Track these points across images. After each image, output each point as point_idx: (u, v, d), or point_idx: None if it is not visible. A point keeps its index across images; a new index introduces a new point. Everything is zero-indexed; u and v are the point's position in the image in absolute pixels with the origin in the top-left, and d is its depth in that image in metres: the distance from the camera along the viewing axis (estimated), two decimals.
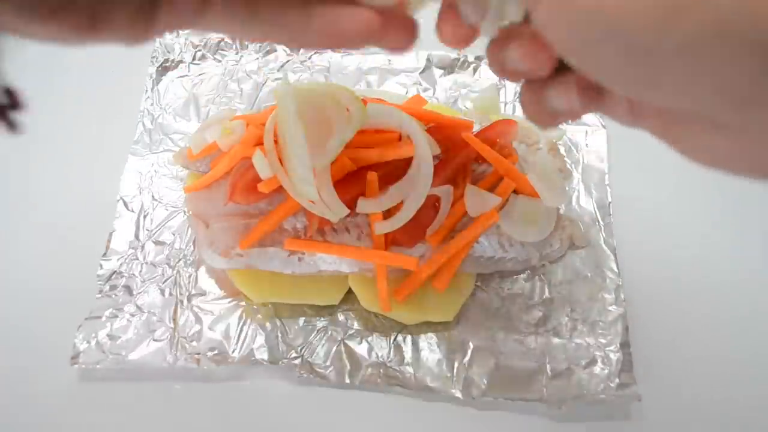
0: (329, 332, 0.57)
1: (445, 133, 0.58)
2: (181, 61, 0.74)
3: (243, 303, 0.58)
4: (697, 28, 0.23)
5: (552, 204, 0.59)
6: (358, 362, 0.56)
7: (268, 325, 0.57)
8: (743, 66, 0.23)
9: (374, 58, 0.75)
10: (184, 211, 0.63)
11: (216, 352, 0.56)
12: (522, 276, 0.61)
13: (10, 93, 0.32)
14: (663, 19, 0.23)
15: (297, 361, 0.55)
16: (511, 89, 0.73)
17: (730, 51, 0.22)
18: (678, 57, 0.24)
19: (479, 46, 0.35)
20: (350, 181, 0.54)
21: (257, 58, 0.75)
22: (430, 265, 0.55)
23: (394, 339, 0.57)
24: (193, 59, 0.74)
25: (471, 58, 0.74)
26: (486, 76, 0.74)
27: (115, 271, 0.59)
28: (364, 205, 0.53)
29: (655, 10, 0.23)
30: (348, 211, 0.53)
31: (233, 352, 0.56)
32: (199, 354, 0.55)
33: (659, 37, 0.23)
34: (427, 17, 0.36)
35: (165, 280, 0.59)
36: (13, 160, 0.68)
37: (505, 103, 0.72)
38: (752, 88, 0.23)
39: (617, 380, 0.55)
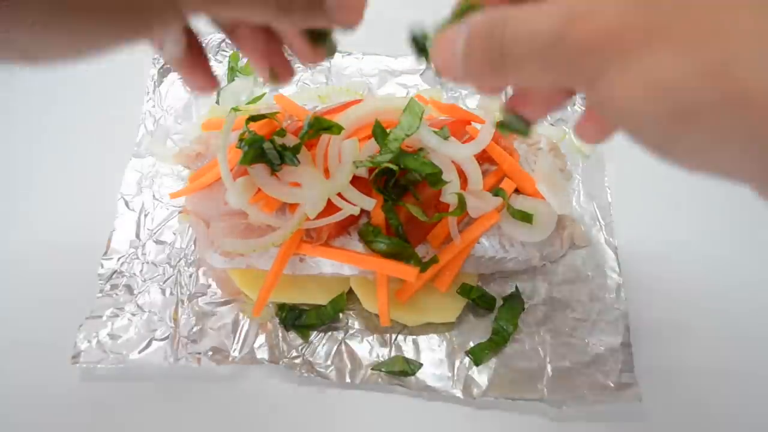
0: (330, 332, 0.57)
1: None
2: None
3: (244, 303, 0.58)
4: (701, 137, 0.25)
5: (561, 211, 0.59)
6: (359, 362, 0.56)
7: (268, 324, 0.57)
8: (749, 170, 0.25)
9: (375, 59, 0.75)
10: (179, 212, 0.63)
11: (216, 351, 0.56)
12: (523, 276, 0.61)
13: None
14: (674, 123, 0.25)
15: (298, 361, 0.56)
16: (511, 91, 0.73)
17: (730, 157, 0.25)
18: (688, 155, 0.26)
19: None
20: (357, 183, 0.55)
21: None
22: (432, 267, 0.55)
23: (395, 339, 0.57)
24: None
25: None
26: None
27: (115, 271, 0.59)
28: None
29: (666, 118, 0.25)
30: (375, 201, 0.53)
31: (234, 351, 0.56)
32: (199, 353, 0.55)
33: (670, 143, 0.26)
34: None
35: (166, 280, 0.59)
36: (16, 160, 0.68)
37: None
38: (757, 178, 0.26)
39: (618, 380, 0.54)
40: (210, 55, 0.74)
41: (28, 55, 0.27)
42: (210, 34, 0.76)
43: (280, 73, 0.40)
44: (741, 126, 0.23)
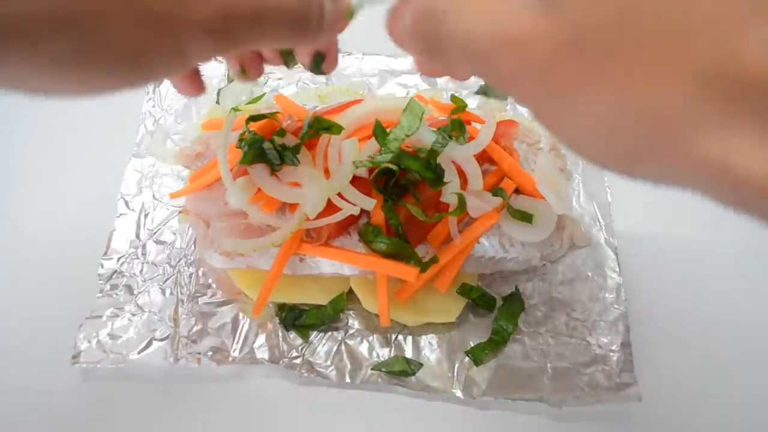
0: (330, 332, 0.57)
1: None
2: None
3: (244, 303, 0.58)
4: (653, 167, 0.24)
5: (561, 211, 0.59)
6: (359, 362, 0.56)
7: (268, 324, 0.57)
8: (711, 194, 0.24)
9: (375, 59, 0.75)
10: (179, 212, 0.63)
11: (216, 351, 0.56)
12: (523, 276, 0.61)
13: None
14: (623, 159, 0.25)
15: (298, 361, 0.55)
16: None
17: (684, 181, 0.24)
18: (646, 178, 0.26)
19: None
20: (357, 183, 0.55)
21: None
22: (432, 267, 0.55)
23: (395, 339, 0.57)
24: None
25: None
26: None
27: (115, 271, 0.59)
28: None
29: (615, 155, 0.25)
30: (375, 201, 0.53)
31: (234, 351, 0.56)
32: (199, 353, 0.55)
33: (626, 171, 0.26)
34: None
35: (166, 280, 0.59)
36: (16, 160, 0.68)
37: (506, 104, 0.72)
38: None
39: (618, 380, 0.54)
40: None
41: (27, 87, 0.28)
42: None
43: (249, 70, 0.42)
44: (686, 165, 0.23)
